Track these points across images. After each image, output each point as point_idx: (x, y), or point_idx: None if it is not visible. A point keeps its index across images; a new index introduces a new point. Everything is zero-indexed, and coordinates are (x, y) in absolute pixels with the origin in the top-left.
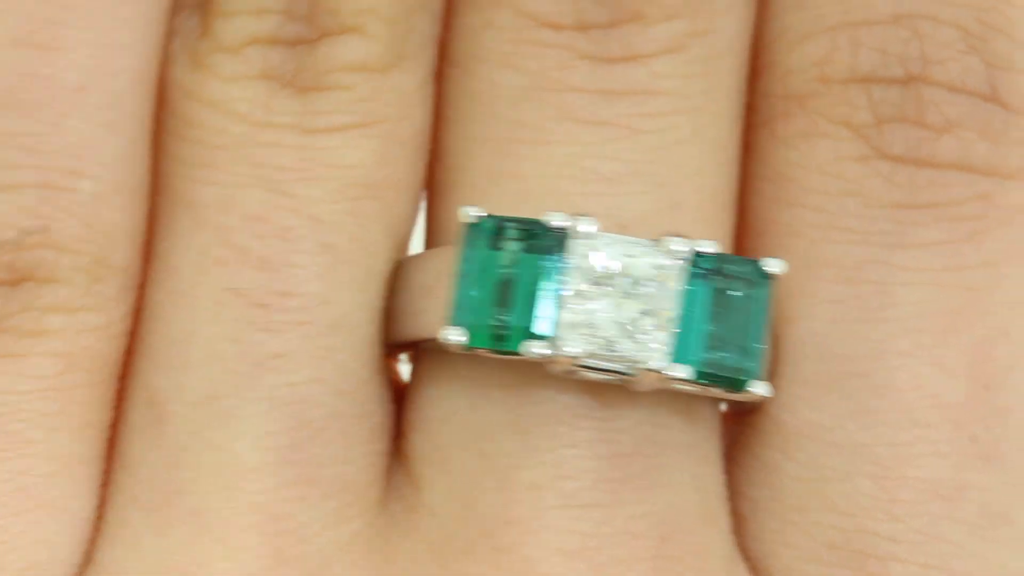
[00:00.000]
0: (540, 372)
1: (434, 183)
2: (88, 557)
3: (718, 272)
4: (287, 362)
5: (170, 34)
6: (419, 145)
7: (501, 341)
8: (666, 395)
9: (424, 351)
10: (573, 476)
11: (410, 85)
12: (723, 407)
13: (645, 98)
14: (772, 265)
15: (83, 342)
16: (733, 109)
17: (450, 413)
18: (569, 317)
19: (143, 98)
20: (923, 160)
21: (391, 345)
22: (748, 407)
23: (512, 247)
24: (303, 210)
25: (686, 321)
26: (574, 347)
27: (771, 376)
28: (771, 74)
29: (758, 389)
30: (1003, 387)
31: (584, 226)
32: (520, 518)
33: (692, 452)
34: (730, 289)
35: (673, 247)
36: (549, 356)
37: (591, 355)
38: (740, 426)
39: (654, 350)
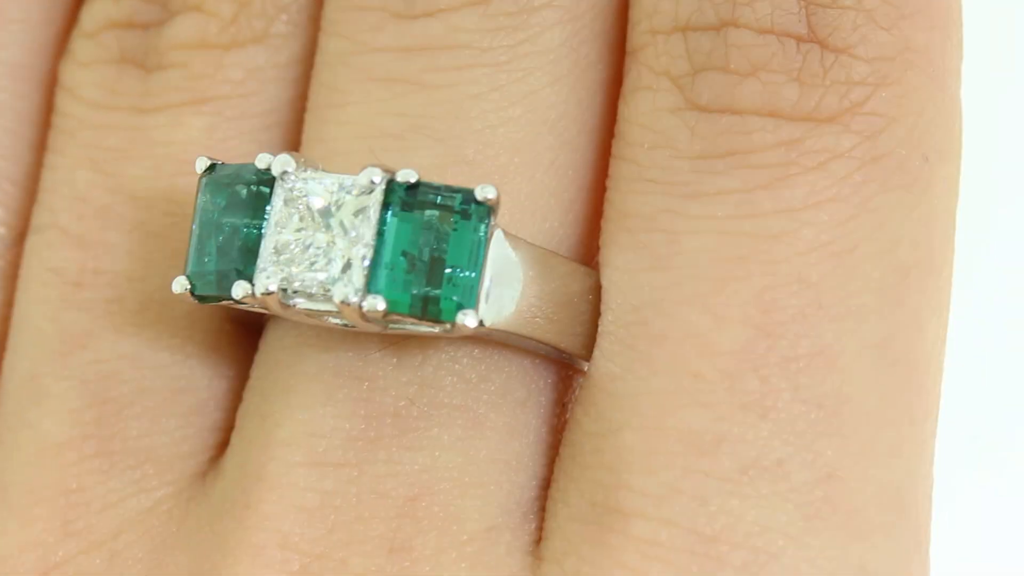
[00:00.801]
0: (311, 332)
1: None
2: None
3: (420, 202)
4: (95, 339)
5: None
6: (272, 122)
7: (220, 288)
8: (435, 354)
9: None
10: (325, 435)
11: (265, 62)
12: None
13: (439, 52)
14: (484, 192)
15: None
16: (559, 64)
17: (256, 378)
18: (268, 256)
19: (24, 91)
20: (725, 107)
21: (244, 315)
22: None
23: (232, 193)
24: (121, 188)
25: (387, 253)
26: (270, 283)
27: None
28: (630, 30)
29: (466, 320)
30: (788, 335)
31: (284, 166)
32: (268, 475)
33: (462, 415)
34: (437, 219)
35: (371, 177)
36: (250, 296)
37: (290, 292)
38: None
39: (347, 283)
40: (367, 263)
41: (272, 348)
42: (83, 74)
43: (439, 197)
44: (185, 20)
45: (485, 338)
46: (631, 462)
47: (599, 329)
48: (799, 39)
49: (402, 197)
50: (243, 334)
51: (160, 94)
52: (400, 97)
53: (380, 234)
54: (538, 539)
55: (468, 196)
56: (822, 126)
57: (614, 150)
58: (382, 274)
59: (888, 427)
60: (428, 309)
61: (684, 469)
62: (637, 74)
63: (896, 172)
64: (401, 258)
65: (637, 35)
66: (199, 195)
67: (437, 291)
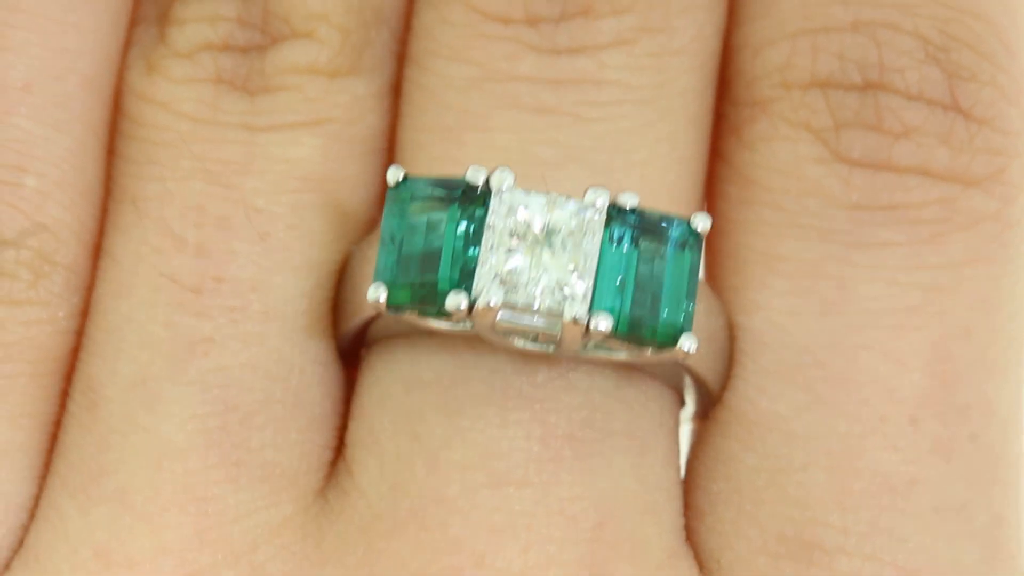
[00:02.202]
0: (472, 354)
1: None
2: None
3: (641, 227)
4: (217, 347)
5: (129, 45)
6: (373, 147)
7: (423, 299)
8: (601, 380)
9: (370, 346)
10: (503, 456)
11: (364, 91)
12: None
13: (591, 87)
14: (700, 221)
15: (26, 334)
16: (689, 108)
17: (384, 398)
18: (489, 271)
19: (93, 102)
20: (881, 163)
21: (344, 341)
22: (709, 407)
23: (433, 205)
24: (241, 200)
25: (608, 275)
26: (494, 297)
27: (731, 367)
28: (738, 81)
29: (685, 344)
30: (961, 384)
31: (503, 181)
32: (448, 497)
33: (632, 442)
34: (654, 244)
35: (594, 200)
36: (469, 308)
37: (511, 307)
38: (702, 423)
39: (574, 301)
40: (591, 283)
41: (399, 367)
42: (179, 90)
43: (657, 223)
44: (295, 45)
45: (644, 367)
46: (824, 500)
47: (752, 369)
48: (945, 107)
49: (621, 221)
50: (342, 348)
51: (271, 114)
52: (555, 128)
53: (600, 256)
54: (701, 569)
55: (685, 225)
56: (970, 189)
57: (743, 196)
58: (606, 296)
59: (1020, 471)
60: (648, 331)
61: (880, 508)
62: (770, 124)
63: (1021, 237)
64: (620, 281)
65: (765, 88)
66: (392, 206)
67: (657, 315)
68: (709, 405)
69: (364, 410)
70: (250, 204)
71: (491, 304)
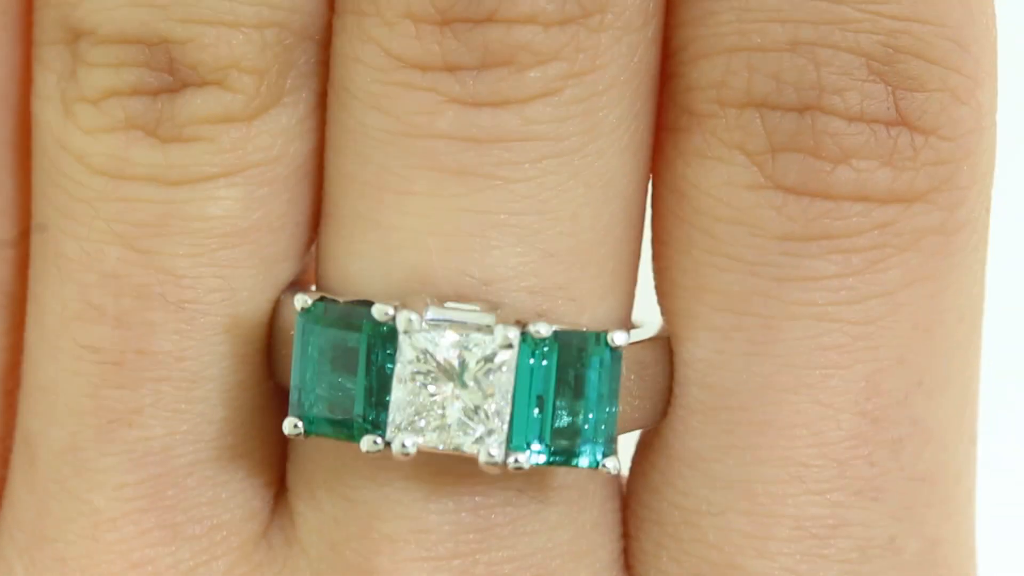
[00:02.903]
0: None
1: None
2: None
3: (555, 352)
4: (143, 417)
5: (41, 67)
6: (302, 176)
7: (338, 433)
8: None
9: None
10: (432, 530)
11: (287, 122)
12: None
13: (515, 145)
14: (617, 339)
15: None
16: (622, 139)
17: (319, 452)
18: (402, 409)
19: (2, 118)
20: (817, 191)
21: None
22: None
23: (345, 335)
24: (160, 266)
25: (524, 405)
26: (408, 441)
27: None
28: (676, 84)
29: (610, 465)
30: (893, 419)
31: (409, 321)
32: (379, 569)
33: (569, 492)
34: (573, 364)
35: (506, 335)
36: (381, 449)
37: (427, 449)
38: (642, 442)
39: (490, 441)
40: (507, 419)
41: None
42: (90, 142)
43: (572, 345)
44: (206, 94)
45: None
46: (742, 545)
47: (682, 403)
48: (888, 123)
49: (535, 349)
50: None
51: (186, 167)
52: (477, 192)
53: (516, 385)
54: None
55: (601, 341)
56: (913, 206)
57: (677, 211)
58: (523, 430)
59: (967, 484)
60: (571, 460)
61: (802, 554)
62: (704, 142)
63: (970, 237)
64: (539, 411)
65: (701, 101)
66: (300, 330)
67: (578, 442)
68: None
69: (300, 461)
70: (167, 271)
71: (405, 447)
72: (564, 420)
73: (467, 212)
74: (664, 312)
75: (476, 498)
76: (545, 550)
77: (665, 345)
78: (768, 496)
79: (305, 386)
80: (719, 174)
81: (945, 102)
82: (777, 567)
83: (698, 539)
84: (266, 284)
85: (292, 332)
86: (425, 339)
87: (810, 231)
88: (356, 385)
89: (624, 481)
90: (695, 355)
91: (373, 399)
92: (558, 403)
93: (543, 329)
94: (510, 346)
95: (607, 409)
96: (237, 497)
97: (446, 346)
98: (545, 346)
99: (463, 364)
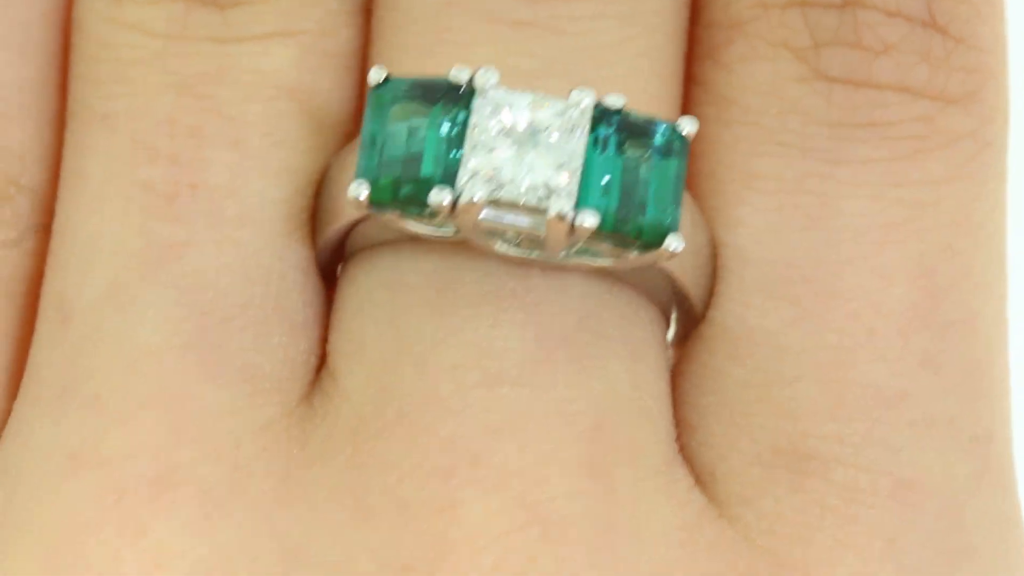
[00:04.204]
0: (462, 257)
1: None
2: None
3: (627, 129)
4: (193, 250)
5: None
6: (347, 63)
7: (405, 194)
8: (596, 285)
9: (350, 256)
10: (497, 355)
11: (337, 6)
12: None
13: (569, 1)
14: (686, 125)
15: None
16: (667, 25)
17: (367, 303)
18: (473, 168)
19: (51, 29)
20: (861, 81)
21: (324, 250)
22: (692, 325)
23: (416, 105)
24: (214, 109)
25: (594, 173)
26: (478, 193)
27: (714, 284)
28: (713, 4)
29: (672, 244)
30: (946, 300)
31: (486, 79)
32: (439, 398)
33: (626, 347)
34: (640, 147)
35: (580, 100)
36: (453, 204)
37: (495, 202)
38: (687, 341)
39: (559, 197)
40: (577, 180)
41: (381, 273)
42: (149, 11)
43: (643, 126)
44: None
45: (629, 276)
46: (817, 412)
47: (736, 286)
48: (923, 24)
49: (607, 122)
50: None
51: (242, 26)
52: (534, 40)
53: (586, 157)
54: (696, 481)
55: (671, 128)
56: (949, 107)
57: (722, 116)
58: (591, 193)
59: (1008, 397)
60: (634, 229)
61: (874, 420)
62: (748, 45)
63: (997, 160)
64: (607, 181)
65: (742, 8)
66: (373, 107)
67: (642, 214)
68: (692, 325)
69: (346, 317)
70: (222, 113)
71: (475, 199)
72: (631, 195)
73: (524, 56)
74: (707, 211)
75: (540, 328)
76: (608, 399)
77: (710, 232)
78: (838, 362)
79: (373, 157)
80: (766, 71)
81: (971, 15)
82: (852, 432)
83: (772, 412)
84: (315, 143)
85: (341, 190)
86: (501, 99)
87: (857, 118)
88: (426, 149)
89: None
90: (750, 236)
91: (445, 158)
92: (625, 182)
93: (617, 100)
94: (584, 111)
95: (671, 199)
96: (279, 353)
97: (520, 106)
98: (616, 120)
99: (536, 126)
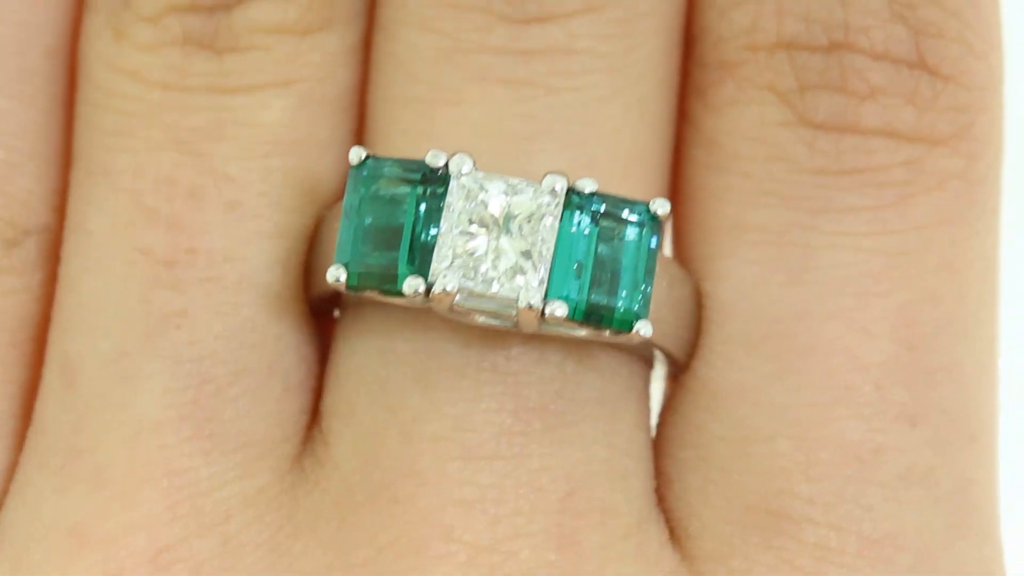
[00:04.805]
0: (446, 326)
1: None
2: None
3: (600, 211)
4: (191, 320)
5: (90, 10)
6: (344, 105)
7: (381, 280)
8: (575, 350)
9: (344, 310)
10: (475, 429)
11: (336, 47)
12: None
13: (562, 57)
14: (659, 206)
15: (2, 303)
16: (659, 71)
17: (359, 367)
18: (446, 254)
19: (56, 73)
20: (846, 126)
21: (316, 302)
22: (678, 372)
23: (393, 189)
24: (212, 169)
25: (565, 260)
26: (450, 283)
27: (699, 335)
28: (704, 42)
29: (642, 330)
30: (928, 349)
31: (461, 165)
32: (420, 470)
33: (603, 409)
34: (613, 229)
35: (552, 186)
36: (427, 291)
37: (467, 292)
38: (671, 389)
39: (530, 287)
40: (547, 269)
41: (374, 338)
42: (147, 57)
43: (616, 208)
44: (263, 4)
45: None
46: (790, 470)
47: (719, 338)
48: (910, 65)
49: (580, 205)
50: (316, 317)
51: (240, 75)
52: (527, 100)
53: (558, 241)
54: (671, 536)
55: (643, 209)
56: (936, 148)
57: (710, 161)
58: (561, 281)
59: (992, 435)
60: (605, 317)
61: (846, 477)
62: (736, 88)
63: (990, 194)
64: (578, 266)
65: (731, 51)
66: (353, 186)
67: (614, 300)
68: (678, 371)
69: (340, 380)
70: (221, 173)
71: (447, 289)
72: (602, 281)
73: (517, 118)
74: (694, 260)
75: (518, 400)
76: (583, 465)
77: (694, 284)
78: (814, 420)
79: (351, 238)
80: (752, 115)
81: (962, 52)
82: (824, 490)
83: (747, 469)
84: (309, 199)
85: (330, 250)
86: (475, 184)
87: (842, 165)
88: (403, 234)
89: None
90: (735, 290)
91: (418, 248)
92: (596, 266)
93: (589, 185)
94: (556, 198)
95: (642, 281)
96: (273, 417)
97: (495, 192)
98: (589, 204)
99: (509, 212)
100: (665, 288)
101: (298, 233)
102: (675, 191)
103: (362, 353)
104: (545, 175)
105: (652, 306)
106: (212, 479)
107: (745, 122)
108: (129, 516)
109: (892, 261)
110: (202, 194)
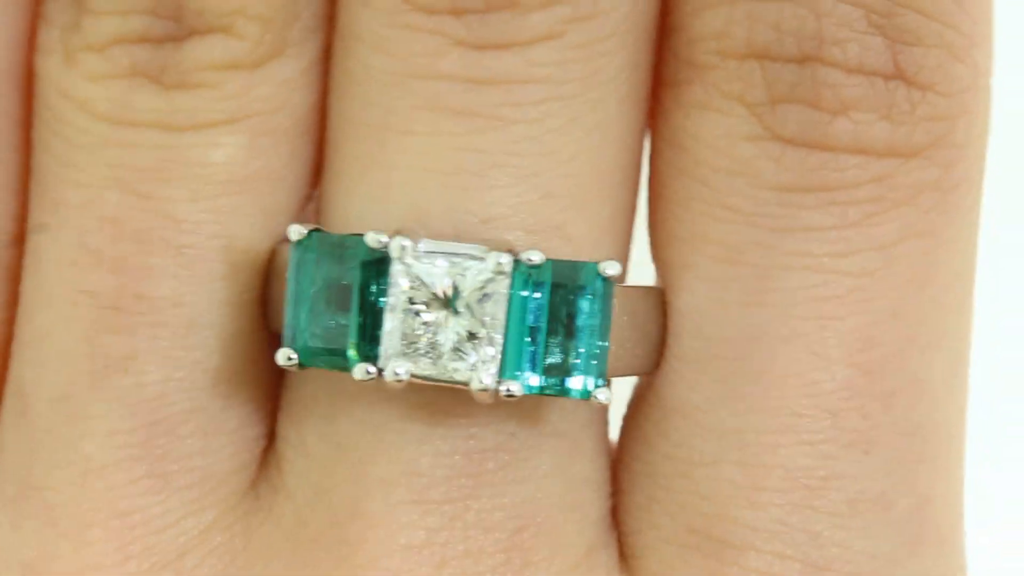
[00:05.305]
0: None
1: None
2: None
3: (550, 281)
4: (138, 363)
5: (45, 23)
6: (301, 131)
7: (332, 364)
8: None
9: None
10: (425, 473)
11: (291, 73)
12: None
13: (517, 87)
14: (609, 268)
15: None
16: (621, 88)
17: (311, 400)
18: (393, 337)
19: (6, 92)
20: (815, 143)
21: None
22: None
23: (338, 264)
24: (159, 211)
25: (517, 334)
26: (400, 368)
27: (663, 347)
28: (677, 37)
29: (601, 396)
30: (886, 372)
31: (402, 248)
32: (368, 512)
33: (561, 442)
34: (566, 296)
35: (499, 260)
36: (375, 377)
37: (419, 376)
38: (635, 397)
39: (482, 368)
40: (499, 347)
41: (325, 375)
42: (94, 88)
43: (565, 276)
44: (211, 41)
45: None
46: (734, 496)
47: (675, 353)
48: (886, 77)
49: (527, 277)
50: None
51: (189, 113)
52: (478, 132)
53: (508, 314)
54: (621, 552)
55: (593, 273)
56: (909, 161)
57: (676, 163)
58: (515, 358)
59: (958, 446)
60: (561, 391)
61: (793, 505)
62: (704, 93)
63: (965, 197)
64: (531, 340)
65: (702, 53)
66: (295, 262)
67: (569, 372)
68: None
69: (292, 407)
70: (168, 215)
71: (398, 375)
72: (556, 350)
73: (467, 151)
74: (659, 264)
75: (470, 442)
76: (535, 500)
77: (658, 295)
78: (760, 446)
79: (299, 318)
80: (718, 125)
81: (942, 58)
82: (768, 517)
83: (691, 490)
84: (264, 234)
85: (279, 281)
86: (418, 265)
87: (808, 182)
88: (350, 313)
89: (614, 447)
90: (690, 305)
91: (366, 328)
92: (551, 334)
93: (535, 256)
94: (503, 273)
95: (599, 341)
96: (227, 448)
97: (439, 273)
98: (538, 275)
99: (456, 291)
100: (627, 322)
101: (253, 269)
102: (650, 184)
103: (315, 383)
104: (490, 251)
105: (614, 343)
106: (165, 516)
107: (711, 131)
108: (80, 558)
109: (853, 282)
110: (148, 237)
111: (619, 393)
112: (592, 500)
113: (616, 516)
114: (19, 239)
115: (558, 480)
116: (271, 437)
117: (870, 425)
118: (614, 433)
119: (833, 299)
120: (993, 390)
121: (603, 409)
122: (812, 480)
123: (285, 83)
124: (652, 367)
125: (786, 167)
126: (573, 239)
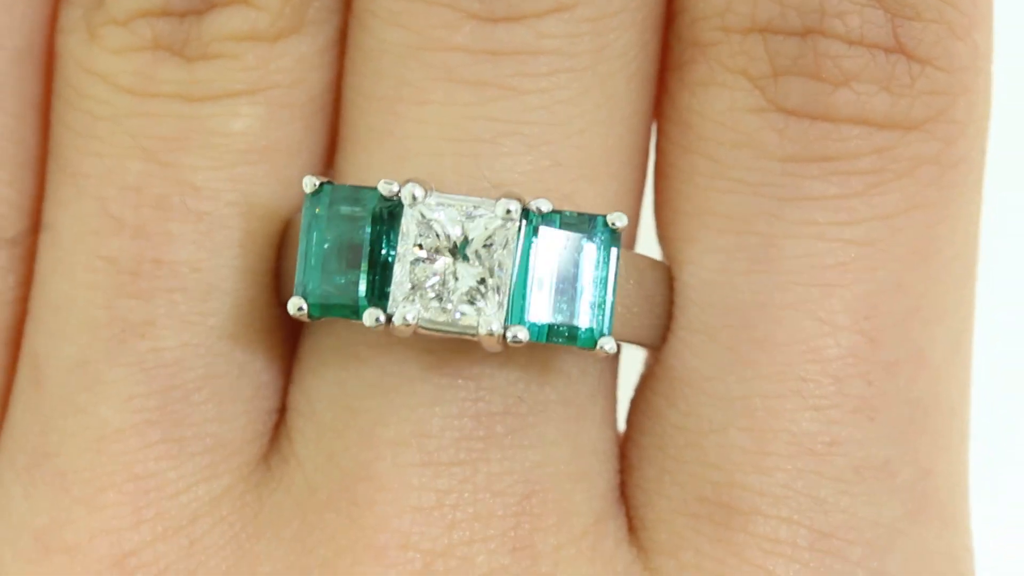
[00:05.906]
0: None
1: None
2: None
3: (557, 230)
4: (156, 328)
5: (66, 4)
6: (317, 107)
7: (342, 311)
8: (541, 353)
9: None
10: (435, 434)
11: (308, 49)
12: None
13: (528, 58)
14: (617, 220)
15: None
16: (630, 66)
17: (322, 366)
18: (404, 283)
19: (27, 74)
20: (818, 114)
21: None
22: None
23: (350, 214)
24: (179, 178)
25: (525, 283)
26: (410, 314)
27: (669, 320)
28: (681, 19)
29: (607, 346)
30: (892, 339)
31: (413, 193)
32: (378, 474)
33: (568, 409)
34: (572, 246)
35: (508, 207)
36: (386, 322)
37: (427, 322)
38: (644, 374)
39: (490, 314)
40: (507, 293)
41: (337, 340)
42: (117, 61)
43: (573, 225)
44: (233, 12)
45: None
46: (742, 462)
47: (682, 324)
48: (887, 50)
49: (536, 225)
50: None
51: (210, 83)
52: (491, 102)
53: (516, 263)
54: (630, 527)
55: (599, 223)
56: (910, 134)
57: (682, 141)
58: (521, 304)
59: (961, 420)
60: (568, 338)
61: (799, 470)
62: (708, 69)
63: (966, 176)
64: (538, 287)
65: (705, 30)
66: (308, 214)
67: (575, 320)
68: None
69: (303, 376)
70: (188, 183)
71: (407, 320)
72: (563, 298)
73: (480, 120)
74: (665, 243)
75: (479, 404)
76: (543, 466)
77: (666, 269)
78: (767, 411)
79: (310, 270)
80: (723, 99)
81: (941, 34)
82: (774, 483)
83: (700, 459)
84: (281, 204)
85: (292, 251)
86: (429, 213)
87: (811, 152)
88: (361, 262)
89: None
90: (697, 276)
91: (376, 276)
92: (558, 283)
93: (544, 205)
94: (512, 220)
95: (605, 292)
96: (242, 418)
97: (449, 220)
98: (546, 223)
99: (465, 238)
100: (633, 286)
101: (269, 240)
102: (656, 164)
103: (324, 352)
104: (499, 198)
105: (621, 306)
106: (178, 482)
107: (715, 105)
108: (93, 521)
109: (858, 251)
110: (168, 204)
111: (624, 388)
112: (600, 471)
113: (625, 492)
114: (37, 223)
115: (565, 448)
116: (283, 412)
117: (875, 392)
118: (620, 426)
119: (838, 267)
120: (994, 388)
121: (609, 374)
122: (818, 445)
123: (302, 59)
124: (658, 341)
125: (789, 138)
126: (582, 208)
